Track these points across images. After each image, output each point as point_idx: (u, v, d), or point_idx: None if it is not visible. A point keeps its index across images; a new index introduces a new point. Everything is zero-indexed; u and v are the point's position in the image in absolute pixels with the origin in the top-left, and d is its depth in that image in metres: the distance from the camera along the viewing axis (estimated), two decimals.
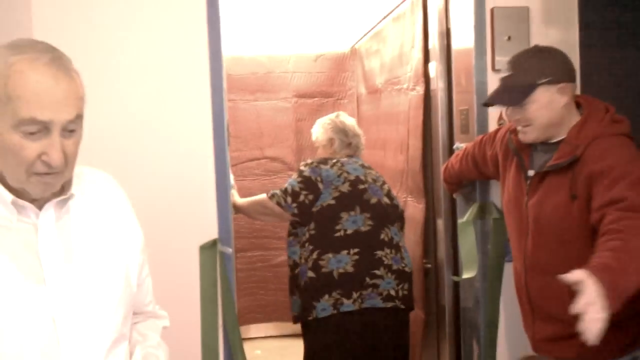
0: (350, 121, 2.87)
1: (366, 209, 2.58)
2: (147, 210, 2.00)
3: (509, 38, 2.22)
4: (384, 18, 3.44)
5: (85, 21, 1.97)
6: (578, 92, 1.97)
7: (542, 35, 2.21)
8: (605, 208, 1.58)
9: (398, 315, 2.62)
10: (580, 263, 1.71)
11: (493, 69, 2.23)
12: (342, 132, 2.81)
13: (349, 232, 2.55)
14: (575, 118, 1.78)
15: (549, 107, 1.75)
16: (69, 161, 1.13)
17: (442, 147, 2.63)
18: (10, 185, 1.14)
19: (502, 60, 2.16)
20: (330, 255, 2.53)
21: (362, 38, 4.10)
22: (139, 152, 2.02)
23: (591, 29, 2.25)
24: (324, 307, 2.53)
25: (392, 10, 3.26)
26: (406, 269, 2.63)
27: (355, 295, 2.51)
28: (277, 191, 2.62)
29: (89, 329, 1.18)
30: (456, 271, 2.56)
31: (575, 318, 1.73)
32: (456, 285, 2.61)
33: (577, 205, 1.68)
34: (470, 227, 2.31)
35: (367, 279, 2.53)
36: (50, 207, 1.18)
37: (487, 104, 1.93)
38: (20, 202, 1.14)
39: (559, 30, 2.26)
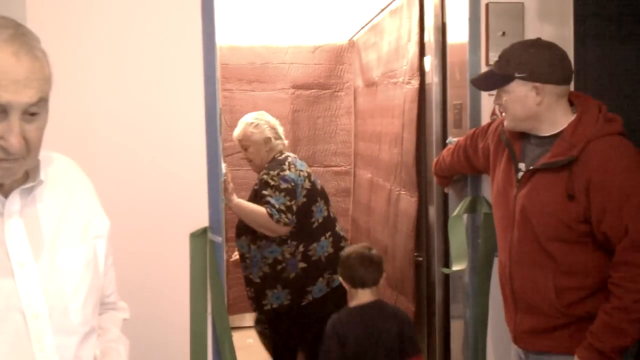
0: (275, 120, 3.10)
1: (321, 196, 2.98)
2: (139, 197, 2.03)
3: (503, 34, 2.22)
4: (382, 11, 3.43)
5: (80, 11, 1.97)
6: (572, 86, 1.97)
7: (536, 31, 2.20)
8: (614, 238, 1.65)
9: None
10: (564, 259, 1.73)
11: (487, 64, 2.23)
12: (274, 129, 3.04)
13: (320, 220, 2.93)
14: (567, 115, 1.77)
15: (521, 102, 1.76)
16: (31, 147, 1.04)
17: (435, 141, 2.64)
18: None
19: (496, 55, 2.16)
20: (315, 244, 2.87)
21: (360, 30, 4.09)
22: (132, 141, 2.03)
23: (586, 24, 2.26)
24: (320, 288, 2.88)
25: (390, 3, 3.25)
26: None
27: (339, 270, 2.83)
28: (276, 212, 2.74)
29: (59, 322, 1.12)
30: (447, 265, 2.58)
31: (557, 311, 1.75)
32: (447, 279, 2.62)
33: (573, 205, 1.68)
34: (461, 221, 2.32)
35: (340, 253, 2.88)
36: (16, 196, 1.10)
37: (472, 82, 1.96)
38: None
39: (553, 25, 2.27)
